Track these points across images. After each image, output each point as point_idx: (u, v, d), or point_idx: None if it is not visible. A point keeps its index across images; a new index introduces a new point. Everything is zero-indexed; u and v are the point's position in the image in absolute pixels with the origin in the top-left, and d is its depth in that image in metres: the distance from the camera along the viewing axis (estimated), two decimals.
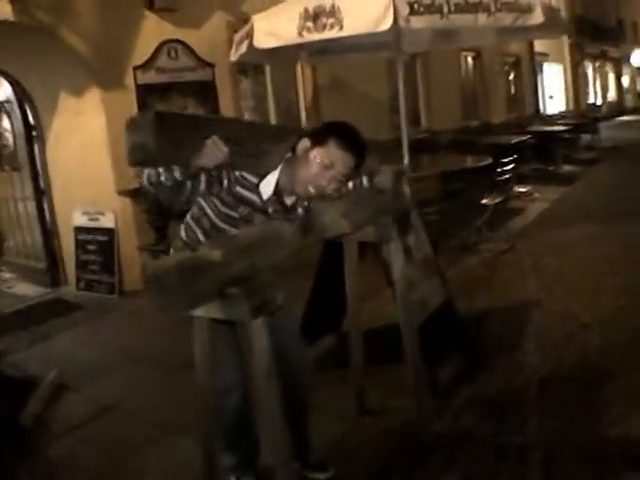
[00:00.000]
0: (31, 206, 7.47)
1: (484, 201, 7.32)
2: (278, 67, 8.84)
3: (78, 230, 7.03)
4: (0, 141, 7.69)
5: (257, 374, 2.27)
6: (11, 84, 6.96)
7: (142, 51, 6.85)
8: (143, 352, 5.06)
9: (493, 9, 5.31)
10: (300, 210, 2.83)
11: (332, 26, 5.29)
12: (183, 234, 2.84)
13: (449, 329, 4.08)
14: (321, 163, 2.59)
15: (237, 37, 6.64)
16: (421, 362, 3.51)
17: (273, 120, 8.90)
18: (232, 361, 2.78)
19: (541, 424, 3.45)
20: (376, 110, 9.68)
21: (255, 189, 2.65)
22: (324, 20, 5.33)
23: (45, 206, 7.38)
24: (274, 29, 5.80)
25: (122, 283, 6.81)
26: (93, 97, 6.47)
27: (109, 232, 6.83)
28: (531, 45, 17.74)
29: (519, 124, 14.28)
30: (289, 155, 2.68)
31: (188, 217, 2.80)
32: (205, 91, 7.63)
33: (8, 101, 7.28)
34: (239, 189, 2.63)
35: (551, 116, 19.03)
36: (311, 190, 2.63)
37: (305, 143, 2.63)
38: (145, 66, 6.96)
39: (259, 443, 3.06)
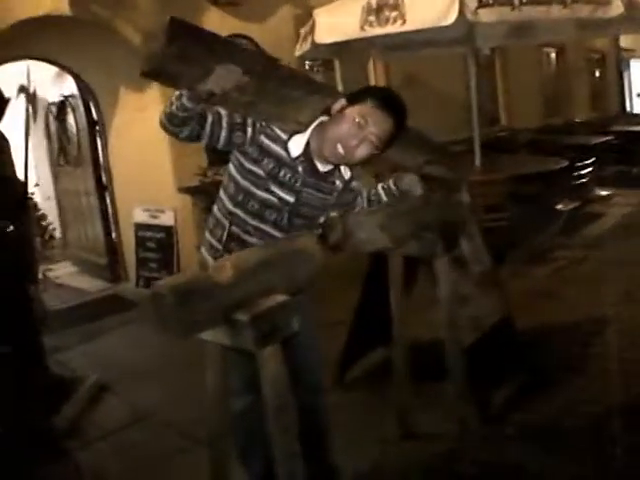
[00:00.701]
0: (93, 201, 7.45)
1: (559, 206, 6.89)
2: (348, 63, 8.58)
3: (138, 227, 6.96)
4: (65, 135, 7.70)
5: (268, 407, 2.03)
6: (75, 79, 6.92)
7: None
8: (190, 358, 4.89)
9: (569, 0, 4.93)
10: (338, 183, 2.60)
11: (395, 20, 5.04)
12: (209, 223, 2.68)
13: (505, 349, 3.75)
14: (354, 120, 2.40)
15: (302, 32, 6.46)
16: (468, 384, 3.22)
17: None
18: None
19: (603, 459, 3.10)
20: (453, 108, 9.30)
21: (283, 144, 2.45)
22: (387, 13, 5.08)
23: (107, 201, 7.35)
24: (335, 23, 5.59)
25: None
26: (153, 92, 6.35)
27: (168, 230, 6.74)
28: (616, 41, 16.87)
29: (603, 123, 13.61)
30: (322, 118, 2.50)
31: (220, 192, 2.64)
32: None
33: (73, 96, 7.27)
34: (264, 139, 2.44)
35: (637, 115, 18.12)
36: (340, 151, 2.43)
37: (341, 102, 2.46)
38: None
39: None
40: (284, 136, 2.46)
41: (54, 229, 5.10)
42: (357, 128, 2.41)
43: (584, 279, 5.95)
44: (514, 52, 11.22)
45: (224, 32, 6.80)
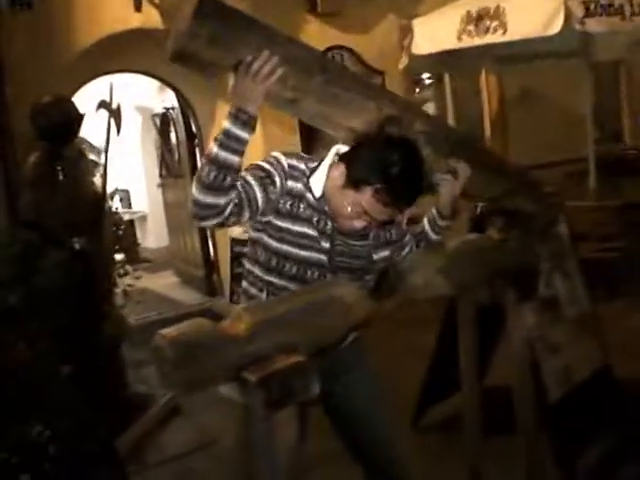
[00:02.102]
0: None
1: None
2: (458, 76, 8.24)
3: (234, 242, 6.86)
4: (167, 147, 7.75)
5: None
6: (174, 92, 6.94)
7: None
8: None
9: None
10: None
11: (495, 29, 4.75)
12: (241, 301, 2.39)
13: (601, 403, 3.33)
14: (347, 208, 2.11)
15: (405, 43, 6.19)
16: (552, 443, 2.86)
17: None
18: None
19: None
20: (572, 124, 8.75)
21: (306, 182, 2.16)
22: (487, 23, 4.80)
23: None
24: (433, 34, 5.31)
25: None
26: None
27: None
28: None
29: None
30: (335, 158, 2.21)
31: (245, 263, 2.35)
32: None
33: (174, 108, 7.30)
34: (292, 183, 2.14)
35: None
36: (347, 223, 2.15)
37: (340, 169, 2.14)
38: None
39: None
40: (307, 171, 2.18)
41: (139, 245, 5.04)
42: (355, 214, 2.13)
43: None
44: None
45: (324, 43, 6.65)
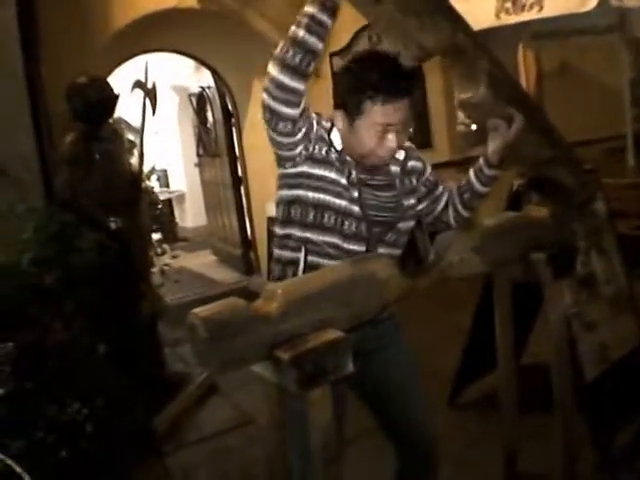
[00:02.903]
0: (229, 192, 7.49)
1: None
2: (496, 51, 8.12)
3: (271, 221, 6.88)
4: (203, 126, 7.78)
5: (313, 458, 1.78)
6: (211, 72, 6.94)
7: (339, 37, 6.49)
8: None
9: None
10: (394, 168, 2.30)
11: (532, 6, 4.67)
12: (274, 272, 2.39)
13: (638, 381, 3.29)
14: (369, 134, 2.13)
15: None
16: (587, 422, 2.83)
17: None
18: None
19: None
20: (612, 101, 8.61)
21: (328, 133, 2.19)
22: (524, 0, 4.66)
23: (242, 194, 7.35)
24: (471, 12, 5.16)
25: None
26: None
27: None
28: None
29: None
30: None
31: (276, 231, 2.33)
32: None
33: (210, 87, 7.31)
34: (321, 130, 2.19)
35: None
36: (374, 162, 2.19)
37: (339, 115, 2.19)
38: (343, 52, 6.57)
39: None
40: (327, 124, 2.20)
41: (176, 225, 5.08)
42: (384, 138, 2.13)
43: None
44: None
45: (361, 22, 6.57)
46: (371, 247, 2.22)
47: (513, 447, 2.97)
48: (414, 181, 2.36)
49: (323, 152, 2.16)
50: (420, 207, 2.40)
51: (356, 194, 2.17)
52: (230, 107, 7.14)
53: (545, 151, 2.64)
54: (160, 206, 4.93)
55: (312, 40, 1.90)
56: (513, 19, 4.95)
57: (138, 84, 4.44)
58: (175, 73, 8.66)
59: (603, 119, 7.60)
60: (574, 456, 2.69)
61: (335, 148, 2.18)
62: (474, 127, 7.23)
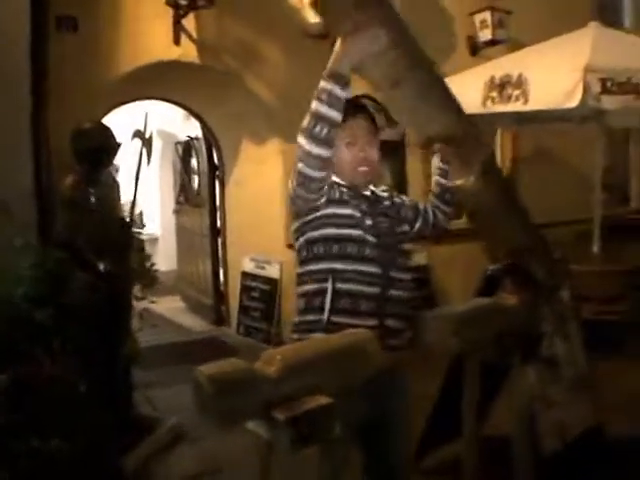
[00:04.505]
0: (206, 242, 7.65)
1: None
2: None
3: (245, 275, 7.07)
4: (188, 176, 7.97)
5: None
6: (200, 123, 7.15)
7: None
8: None
9: None
10: (387, 202, 2.72)
11: (517, 98, 4.96)
12: (300, 305, 2.71)
13: (591, 460, 3.49)
14: (347, 144, 2.56)
15: None
16: None
17: None
18: None
19: None
20: (582, 186, 8.96)
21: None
22: (510, 91, 5.01)
23: (219, 245, 7.51)
24: (459, 97, 5.49)
25: (281, 335, 6.70)
26: (273, 147, 6.47)
27: (273, 282, 6.78)
28: None
29: None
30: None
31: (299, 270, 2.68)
32: (393, 151, 7.38)
33: (197, 138, 7.52)
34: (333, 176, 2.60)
35: None
36: (362, 169, 2.59)
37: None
38: None
39: None
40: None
41: (156, 270, 5.22)
42: (353, 151, 2.57)
43: None
44: None
45: (353, 92, 6.89)
46: (385, 270, 2.57)
47: None
48: (401, 213, 2.77)
49: (337, 194, 2.57)
50: (416, 229, 2.84)
51: (369, 222, 2.58)
52: (216, 160, 7.33)
53: (522, 238, 2.87)
54: (145, 252, 5.05)
55: (334, 114, 2.25)
56: (498, 108, 5.23)
57: (137, 134, 4.62)
58: (163, 119, 8.85)
59: (574, 203, 7.94)
60: None
61: (344, 186, 2.59)
62: None
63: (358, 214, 2.57)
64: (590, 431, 3.55)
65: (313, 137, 2.26)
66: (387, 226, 2.65)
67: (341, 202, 2.56)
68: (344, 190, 2.59)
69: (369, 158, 2.60)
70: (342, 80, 2.24)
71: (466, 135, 2.45)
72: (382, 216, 2.66)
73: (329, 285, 2.53)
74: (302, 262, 2.64)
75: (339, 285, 2.52)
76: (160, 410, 4.97)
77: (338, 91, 2.24)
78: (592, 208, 6.78)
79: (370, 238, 2.56)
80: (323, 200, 2.49)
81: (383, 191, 2.78)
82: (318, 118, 2.25)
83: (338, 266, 2.52)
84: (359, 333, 2.21)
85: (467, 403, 2.96)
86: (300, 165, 2.34)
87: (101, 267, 4.06)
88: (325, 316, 2.53)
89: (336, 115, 2.25)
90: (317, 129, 2.25)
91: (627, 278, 6.13)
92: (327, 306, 2.53)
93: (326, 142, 2.28)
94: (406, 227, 2.77)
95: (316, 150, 2.28)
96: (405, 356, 2.34)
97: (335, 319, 2.51)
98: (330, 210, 2.53)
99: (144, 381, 5.10)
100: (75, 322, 3.62)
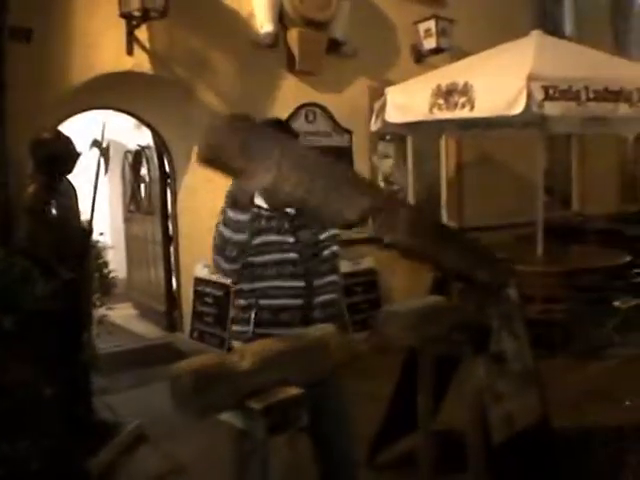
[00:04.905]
0: (158, 249, 7.70)
1: (617, 303, 6.75)
2: (421, 138, 8.70)
3: (198, 281, 7.11)
4: (137, 183, 8.02)
5: None
6: (151, 132, 7.22)
7: (279, 112, 6.90)
8: None
9: (636, 99, 4.95)
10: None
11: (463, 105, 5.16)
12: (236, 317, 3.02)
13: (537, 451, 3.70)
14: None
15: (376, 107, 6.60)
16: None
17: (410, 191, 8.74)
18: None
19: None
20: (525, 189, 9.25)
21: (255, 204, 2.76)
22: (456, 98, 5.21)
23: (171, 252, 7.57)
24: (405, 104, 5.74)
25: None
26: None
27: (226, 288, 6.84)
28: None
29: None
30: None
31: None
32: (341, 157, 7.57)
33: (148, 147, 7.58)
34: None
35: None
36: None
37: None
38: None
39: None
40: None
41: (114, 277, 5.29)
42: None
43: (637, 379, 5.79)
44: (591, 135, 11.04)
45: (300, 100, 7.08)
46: (309, 281, 2.88)
47: None
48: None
49: (262, 223, 2.84)
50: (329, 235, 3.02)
51: (292, 239, 2.87)
52: (167, 168, 7.39)
53: (463, 263, 3.05)
54: (103, 259, 5.10)
55: (240, 237, 2.63)
56: (444, 115, 5.43)
57: (95, 143, 4.70)
58: (112, 128, 8.85)
59: (517, 206, 8.22)
60: None
61: (264, 212, 2.84)
62: None
63: (281, 237, 2.86)
64: (537, 422, 3.76)
65: (225, 257, 2.68)
66: (308, 237, 2.91)
67: (266, 230, 2.84)
68: (264, 216, 2.85)
69: None
70: (243, 206, 2.55)
71: (385, 204, 2.60)
72: (303, 229, 2.90)
73: (253, 301, 2.88)
74: (235, 282, 3.01)
75: (262, 301, 2.86)
76: (119, 415, 5.02)
77: (240, 216, 2.57)
78: (533, 212, 7.01)
79: (292, 256, 2.85)
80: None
81: None
82: (227, 242, 2.63)
83: (264, 284, 2.86)
84: (322, 329, 2.38)
85: (422, 396, 3.16)
86: (215, 261, 2.75)
87: (63, 274, 4.11)
88: (251, 328, 2.88)
89: (242, 237, 2.64)
90: (227, 251, 2.66)
91: (568, 279, 6.40)
92: (254, 319, 2.88)
93: (235, 260, 2.69)
94: (333, 231, 3.00)
95: (228, 267, 2.72)
96: (364, 350, 2.47)
97: (259, 331, 2.83)
98: (257, 240, 2.82)
99: (101, 387, 5.16)
100: (39, 328, 3.71)
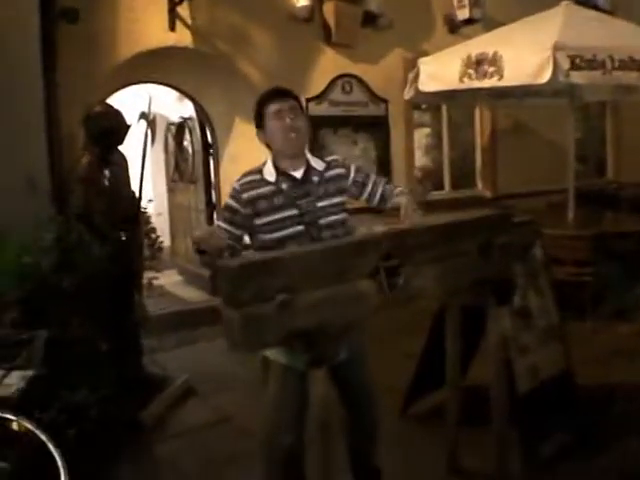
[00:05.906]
0: (202, 217, 7.99)
1: None
2: (455, 108, 8.86)
3: None
4: (182, 154, 8.30)
5: (313, 423, 2.36)
6: (193, 104, 7.48)
7: (316, 83, 7.14)
8: None
9: None
10: (315, 179, 3.00)
11: (492, 75, 5.31)
12: None
13: (560, 402, 3.92)
14: (276, 121, 2.91)
15: (410, 76, 6.76)
16: (517, 430, 3.46)
17: (446, 159, 8.93)
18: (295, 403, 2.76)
19: None
20: (558, 157, 9.34)
21: (261, 181, 2.93)
22: (485, 68, 5.36)
23: (214, 219, 7.84)
24: (437, 73, 5.90)
25: None
26: None
27: None
28: None
29: None
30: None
31: None
32: (377, 126, 7.81)
33: (191, 118, 7.85)
34: (249, 193, 2.93)
35: None
36: (291, 135, 2.90)
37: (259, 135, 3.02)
38: (319, 98, 7.24)
39: None
40: (258, 176, 2.96)
41: (162, 242, 5.59)
42: (282, 121, 2.91)
43: None
44: (625, 103, 11.04)
45: (336, 71, 7.29)
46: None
47: (454, 448, 3.59)
48: (335, 186, 3.06)
49: (264, 205, 2.93)
50: (362, 199, 3.21)
51: (295, 212, 2.93)
52: (210, 139, 7.67)
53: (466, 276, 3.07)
54: (152, 225, 5.40)
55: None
56: (475, 84, 5.59)
57: (142, 115, 4.96)
58: (154, 102, 9.11)
59: (549, 174, 8.33)
60: (506, 458, 3.31)
61: (268, 181, 2.94)
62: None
63: (284, 213, 2.92)
64: (560, 376, 3.97)
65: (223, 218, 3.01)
66: (309, 202, 2.96)
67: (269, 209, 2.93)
68: (269, 185, 2.94)
69: (295, 126, 2.92)
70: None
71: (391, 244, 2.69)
72: (306, 196, 2.96)
73: None
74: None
75: None
76: (168, 371, 5.33)
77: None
78: (566, 179, 7.13)
79: (299, 228, 2.92)
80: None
81: (327, 162, 3.08)
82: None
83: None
84: (360, 280, 2.62)
85: (450, 348, 3.41)
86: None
87: (116, 239, 4.40)
88: None
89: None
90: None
91: (599, 243, 6.52)
92: None
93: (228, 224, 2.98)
94: (336, 199, 3.04)
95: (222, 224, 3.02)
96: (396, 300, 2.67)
97: None
98: (262, 220, 2.94)
99: (150, 346, 5.48)
100: (94, 289, 4.02)
